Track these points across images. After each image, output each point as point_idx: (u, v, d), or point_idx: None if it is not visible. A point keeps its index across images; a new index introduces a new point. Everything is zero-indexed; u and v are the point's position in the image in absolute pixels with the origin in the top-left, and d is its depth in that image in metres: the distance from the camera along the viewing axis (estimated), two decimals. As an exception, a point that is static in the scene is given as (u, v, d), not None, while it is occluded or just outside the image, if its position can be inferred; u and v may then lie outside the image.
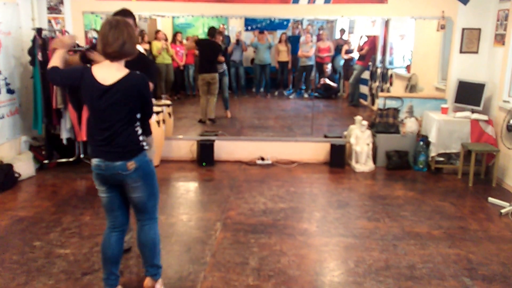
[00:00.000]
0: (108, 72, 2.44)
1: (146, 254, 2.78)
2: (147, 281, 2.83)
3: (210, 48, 7.16)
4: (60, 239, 3.56)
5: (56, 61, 2.59)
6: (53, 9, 5.49)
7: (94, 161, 2.54)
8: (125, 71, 2.47)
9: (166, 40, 8.71)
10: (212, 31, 7.21)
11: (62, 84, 3.02)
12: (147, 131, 2.92)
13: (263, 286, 2.95)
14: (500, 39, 5.20)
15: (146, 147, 2.63)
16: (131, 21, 2.84)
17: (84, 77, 2.45)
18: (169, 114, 6.07)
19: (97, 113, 2.48)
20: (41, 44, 5.01)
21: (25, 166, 4.99)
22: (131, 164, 2.52)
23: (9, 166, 4.75)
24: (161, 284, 2.86)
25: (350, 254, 3.40)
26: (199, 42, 7.51)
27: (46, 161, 5.33)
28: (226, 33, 9.26)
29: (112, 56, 2.43)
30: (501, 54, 5.16)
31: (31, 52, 5.06)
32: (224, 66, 7.59)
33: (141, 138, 2.60)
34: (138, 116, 2.57)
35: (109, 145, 2.49)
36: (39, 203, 4.32)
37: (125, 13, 2.97)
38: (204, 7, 5.49)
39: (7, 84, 5.05)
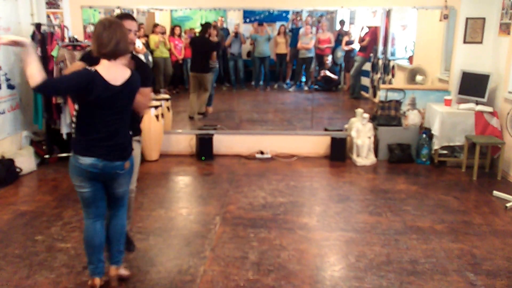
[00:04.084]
0: (115, 72, 2.48)
1: (116, 240, 2.82)
2: (113, 270, 2.83)
3: (202, 46, 7.08)
4: (61, 233, 3.57)
5: (37, 69, 2.28)
6: (52, 4, 5.47)
7: (88, 160, 2.50)
8: (129, 71, 2.54)
9: (164, 33, 8.64)
10: (204, 27, 7.11)
11: (66, 93, 2.92)
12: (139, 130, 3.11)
13: (263, 280, 2.93)
14: (505, 28, 5.12)
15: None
16: (133, 23, 2.86)
17: (94, 81, 2.40)
18: (168, 108, 6.06)
19: (103, 114, 2.49)
20: (40, 39, 5.01)
21: (26, 161, 5.00)
22: (127, 164, 2.64)
23: (11, 161, 4.76)
24: (124, 268, 2.92)
25: (351, 249, 3.37)
26: (192, 41, 7.44)
27: (47, 156, 5.34)
28: (224, 25, 9.17)
29: (108, 56, 2.47)
30: (506, 44, 5.09)
31: (30, 47, 5.04)
32: (216, 64, 7.53)
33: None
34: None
35: (110, 145, 2.53)
36: (40, 197, 4.33)
37: (126, 16, 2.96)
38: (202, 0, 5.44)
39: (7, 80, 5.05)
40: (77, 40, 5.10)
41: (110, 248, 2.83)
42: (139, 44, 6.99)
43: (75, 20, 5.52)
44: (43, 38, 5.02)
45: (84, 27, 5.60)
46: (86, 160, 2.51)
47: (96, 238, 2.73)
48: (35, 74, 2.24)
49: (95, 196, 2.66)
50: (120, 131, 2.57)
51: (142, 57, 6.84)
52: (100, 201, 2.71)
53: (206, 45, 7.07)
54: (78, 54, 4.97)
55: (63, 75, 2.57)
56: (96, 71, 2.45)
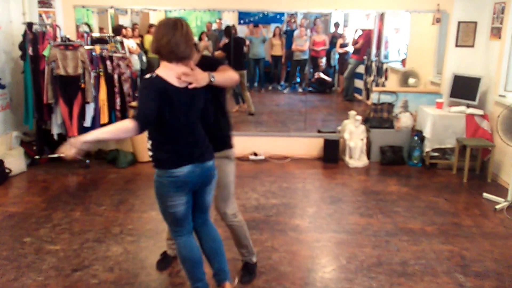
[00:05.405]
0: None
1: (219, 253, 2.59)
2: (227, 286, 2.61)
3: (237, 46, 7.20)
4: (50, 235, 3.54)
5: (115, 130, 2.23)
6: (44, 3, 5.43)
7: (184, 169, 2.32)
8: None
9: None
10: (228, 30, 7.16)
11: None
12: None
13: (254, 282, 2.93)
14: (496, 32, 5.16)
15: None
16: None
17: (164, 88, 2.23)
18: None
19: (180, 117, 2.31)
20: (31, 39, 4.97)
21: (16, 162, 4.95)
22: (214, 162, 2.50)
23: (0, 162, 4.71)
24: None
25: (342, 250, 3.37)
26: (225, 48, 7.45)
27: (37, 157, 5.30)
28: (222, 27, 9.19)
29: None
30: (497, 48, 5.13)
31: (22, 46, 5.01)
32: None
33: None
34: None
35: (198, 145, 2.39)
36: (29, 198, 4.29)
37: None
38: (197, 0, 5.43)
39: (-3, 79, 5.01)
40: (69, 40, 5.04)
41: (217, 267, 2.60)
42: (133, 44, 6.98)
43: (68, 20, 5.48)
44: (34, 38, 4.97)
45: (77, 27, 5.57)
46: (183, 170, 2.36)
47: (197, 251, 2.55)
48: (123, 132, 2.19)
49: (188, 210, 2.49)
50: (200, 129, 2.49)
51: (136, 57, 6.84)
52: (191, 214, 2.54)
53: (237, 44, 7.21)
54: (70, 53, 4.94)
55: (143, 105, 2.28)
56: (158, 77, 2.27)
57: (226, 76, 2.51)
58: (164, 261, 3.14)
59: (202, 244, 2.59)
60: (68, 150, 2.15)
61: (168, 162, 2.33)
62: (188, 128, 2.34)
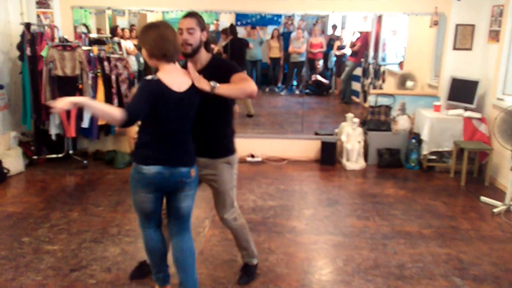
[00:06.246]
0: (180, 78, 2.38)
1: (189, 265, 2.57)
2: None
3: (239, 46, 7.23)
4: (48, 235, 3.54)
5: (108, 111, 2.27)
6: (42, 3, 5.42)
7: (152, 169, 2.36)
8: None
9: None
10: (233, 29, 7.19)
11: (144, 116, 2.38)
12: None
13: (251, 284, 2.93)
14: (494, 35, 5.18)
15: None
16: (184, 21, 2.57)
17: (161, 93, 2.29)
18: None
19: (170, 121, 2.36)
20: (29, 39, 4.96)
21: (14, 162, 4.94)
22: (193, 171, 2.47)
23: (-2, 162, 4.71)
24: None
25: (339, 253, 3.37)
26: (226, 48, 7.43)
27: (35, 157, 5.29)
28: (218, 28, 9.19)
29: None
30: (495, 51, 5.14)
31: (20, 47, 5.02)
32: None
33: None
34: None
35: (176, 150, 2.40)
36: (28, 199, 4.29)
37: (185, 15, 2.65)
38: (194, 1, 5.43)
39: (-5, 80, 5.01)
40: (67, 41, 5.06)
41: (183, 276, 2.56)
42: (130, 45, 6.98)
43: (66, 20, 5.47)
44: (32, 38, 4.97)
45: (75, 28, 5.56)
46: (153, 169, 2.41)
47: (163, 245, 2.62)
48: (110, 118, 2.23)
49: (157, 207, 2.53)
50: (187, 135, 2.51)
51: (133, 58, 6.84)
52: (159, 211, 2.57)
53: (241, 44, 7.25)
54: (68, 54, 4.94)
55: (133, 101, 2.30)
56: (157, 80, 2.31)
57: (237, 88, 2.43)
58: (139, 270, 3.02)
59: (173, 253, 2.60)
60: (59, 103, 2.18)
61: (140, 158, 2.40)
62: (176, 130, 2.39)
